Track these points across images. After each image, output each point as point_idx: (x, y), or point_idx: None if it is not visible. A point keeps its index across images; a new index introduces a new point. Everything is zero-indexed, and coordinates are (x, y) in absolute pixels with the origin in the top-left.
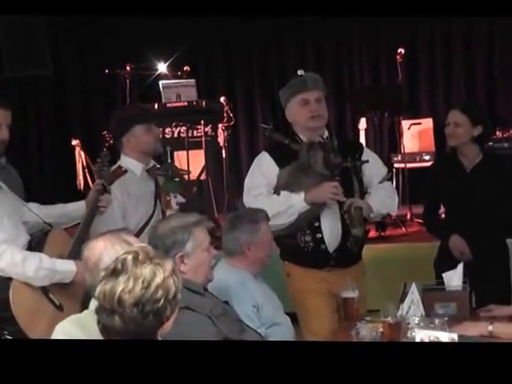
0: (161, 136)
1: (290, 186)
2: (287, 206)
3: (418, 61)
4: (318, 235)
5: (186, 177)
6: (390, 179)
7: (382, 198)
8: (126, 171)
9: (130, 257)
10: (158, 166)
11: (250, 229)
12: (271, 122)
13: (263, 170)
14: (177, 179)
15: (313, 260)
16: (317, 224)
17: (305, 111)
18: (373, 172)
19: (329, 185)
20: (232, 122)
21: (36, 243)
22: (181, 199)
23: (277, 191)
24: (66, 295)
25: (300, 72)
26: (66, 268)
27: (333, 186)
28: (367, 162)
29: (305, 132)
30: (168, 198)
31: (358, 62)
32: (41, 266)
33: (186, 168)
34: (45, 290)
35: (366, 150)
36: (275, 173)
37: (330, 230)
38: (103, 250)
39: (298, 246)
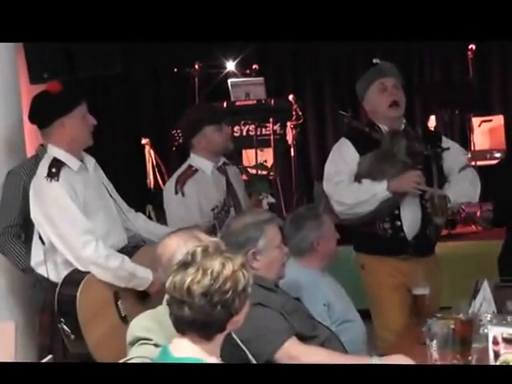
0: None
1: (371, 174)
2: (371, 195)
3: (489, 57)
4: (398, 223)
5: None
6: (470, 167)
7: (463, 187)
8: (196, 170)
9: (199, 249)
10: (227, 161)
11: (315, 225)
12: (349, 110)
13: (344, 156)
14: (267, 179)
15: (390, 248)
16: (396, 212)
17: (384, 98)
18: (453, 161)
19: (412, 174)
20: (301, 120)
21: (125, 253)
22: (271, 199)
23: (358, 179)
24: (135, 309)
25: (375, 60)
26: (145, 275)
27: (416, 176)
28: (448, 149)
29: (384, 120)
30: (261, 198)
31: (429, 58)
32: (122, 265)
33: (268, 166)
34: (116, 297)
35: (444, 138)
36: (356, 160)
37: (411, 217)
38: (176, 247)
39: (375, 233)
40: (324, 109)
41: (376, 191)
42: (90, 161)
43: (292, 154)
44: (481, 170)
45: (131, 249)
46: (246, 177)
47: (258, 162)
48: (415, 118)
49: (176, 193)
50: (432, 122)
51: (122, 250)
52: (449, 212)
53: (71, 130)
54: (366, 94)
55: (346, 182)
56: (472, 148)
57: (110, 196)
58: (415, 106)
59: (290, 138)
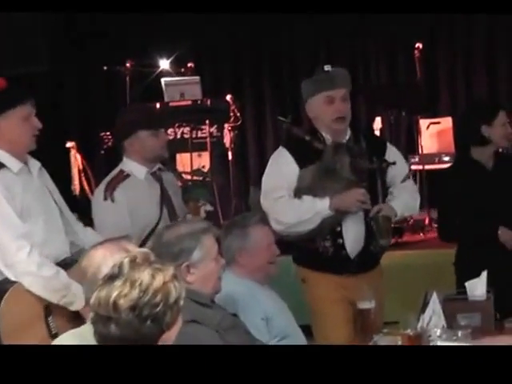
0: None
1: (312, 189)
2: (312, 214)
3: (436, 56)
4: (339, 240)
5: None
6: (410, 177)
7: (406, 200)
8: (128, 175)
9: (126, 260)
10: (162, 167)
11: (239, 235)
12: (290, 115)
13: (283, 169)
14: (206, 185)
15: (332, 265)
16: (338, 229)
17: (329, 111)
18: (396, 171)
19: (356, 192)
20: (239, 122)
21: (63, 266)
22: (209, 207)
23: (298, 195)
24: (69, 327)
25: (327, 68)
26: (79, 292)
27: (361, 194)
28: (394, 163)
29: (328, 130)
30: (199, 205)
31: (375, 58)
32: (57, 276)
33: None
34: (47, 312)
35: (388, 146)
36: (295, 173)
37: (353, 235)
38: (102, 260)
39: (316, 250)
40: (264, 110)
41: (317, 209)
42: (35, 164)
43: (230, 157)
44: (428, 175)
45: (71, 261)
46: (181, 183)
47: (195, 166)
48: (360, 120)
49: (105, 199)
50: (378, 123)
51: (61, 263)
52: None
53: (8, 131)
54: (311, 100)
55: (286, 198)
56: (420, 151)
57: (56, 204)
58: (360, 108)
59: (227, 140)
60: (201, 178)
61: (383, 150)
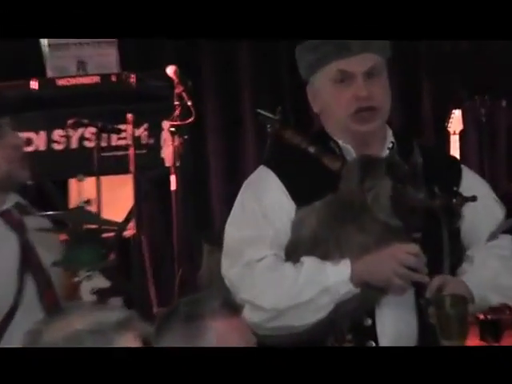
0: (30, 148)
1: (320, 245)
2: (319, 292)
3: None
4: (370, 342)
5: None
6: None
7: (496, 274)
8: None
9: None
10: (24, 203)
11: (184, 336)
12: (279, 107)
13: (266, 206)
14: (93, 241)
15: None
16: (369, 322)
17: (345, 97)
18: (479, 216)
19: (402, 250)
20: (191, 119)
21: None
22: (102, 282)
23: (293, 254)
24: None
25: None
26: None
27: (410, 254)
28: (474, 199)
29: (348, 134)
30: (76, 280)
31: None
32: None
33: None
34: None
35: (465, 170)
36: (289, 214)
37: (395, 331)
38: None
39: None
40: (236, 97)
41: (329, 282)
42: None
43: (173, 184)
44: None
45: None
46: (68, 235)
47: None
48: (420, 114)
49: None
50: (457, 120)
51: None
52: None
53: None
54: (315, 78)
55: (270, 260)
56: None
57: None
58: (417, 93)
59: (168, 152)
60: (96, 227)
61: (455, 173)
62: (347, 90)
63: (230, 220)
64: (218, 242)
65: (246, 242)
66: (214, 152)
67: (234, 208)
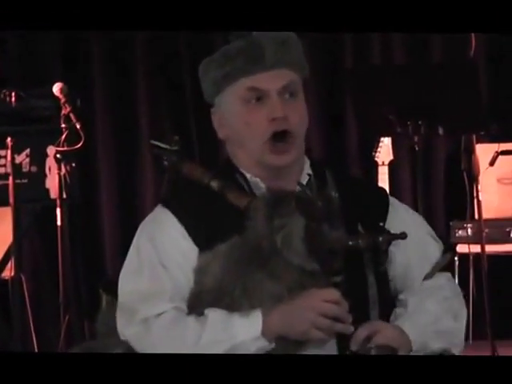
0: None
1: (225, 294)
2: (224, 350)
3: None
4: None
5: None
6: (449, 268)
7: (435, 317)
8: None
9: None
10: None
11: None
12: (176, 137)
13: (164, 251)
14: None
15: None
16: None
17: (257, 120)
18: (411, 255)
19: (320, 298)
20: (80, 144)
21: None
22: None
23: (196, 307)
24: None
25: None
26: None
27: (329, 301)
28: (403, 236)
29: (255, 166)
30: None
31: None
32: None
33: None
34: None
35: (393, 204)
36: (190, 259)
37: None
38: None
39: None
40: (133, 121)
41: (237, 339)
42: None
43: (59, 219)
44: (492, 264)
45: None
46: None
47: None
48: (346, 144)
49: None
50: (385, 150)
51: None
52: None
53: None
54: (220, 98)
55: (170, 315)
56: (476, 214)
57: None
58: (346, 117)
59: (53, 182)
60: None
61: (382, 208)
62: (260, 111)
63: (124, 269)
64: (114, 291)
65: (142, 295)
66: (106, 183)
67: (129, 254)
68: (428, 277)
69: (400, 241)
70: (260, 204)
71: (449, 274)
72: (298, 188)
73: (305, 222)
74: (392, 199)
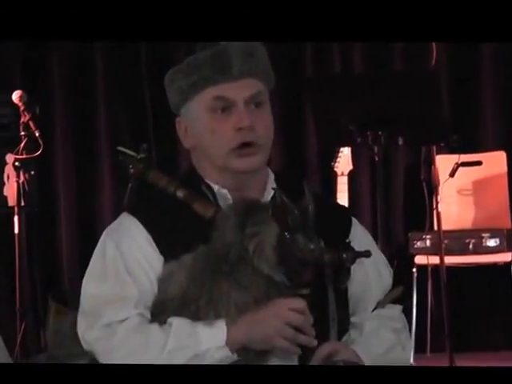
0: None
1: (190, 303)
2: (188, 359)
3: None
4: None
5: None
6: (399, 299)
7: (388, 346)
8: None
9: None
10: None
11: None
12: (145, 145)
13: (130, 257)
14: None
15: None
16: None
17: (224, 129)
18: (368, 279)
19: (286, 307)
20: (39, 151)
21: None
22: None
23: (160, 315)
24: None
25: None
26: None
27: (295, 311)
28: (368, 254)
29: (221, 176)
30: None
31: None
32: None
33: None
34: None
35: (355, 222)
36: (155, 267)
37: None
38: None
39: None
40: (93, 128)
41: (201, 348)
42: None
43: (16, 227)
44: (452, 278)
45: None
46: None
47: None
48: (307, 152)
49: None
50: (345, 160)
51: None
52: None
53: None
54: (186, 108)
55: (134, 322)
56: (434, 225)
57: None
58: (307, 127)
59: (12, 190)
60: None
61: (345, 225)
62: (226, 121)
63: (88, 273)
64: (67, 299)
65: (106, 300)
66: (65, 191)
67: (93, 259)
68: (380, 305)
69: (360, 259)
70: (229, 213)
71: (401, 307)
72: (267, 198)
73: (278, 230)
74: (353, 219)
